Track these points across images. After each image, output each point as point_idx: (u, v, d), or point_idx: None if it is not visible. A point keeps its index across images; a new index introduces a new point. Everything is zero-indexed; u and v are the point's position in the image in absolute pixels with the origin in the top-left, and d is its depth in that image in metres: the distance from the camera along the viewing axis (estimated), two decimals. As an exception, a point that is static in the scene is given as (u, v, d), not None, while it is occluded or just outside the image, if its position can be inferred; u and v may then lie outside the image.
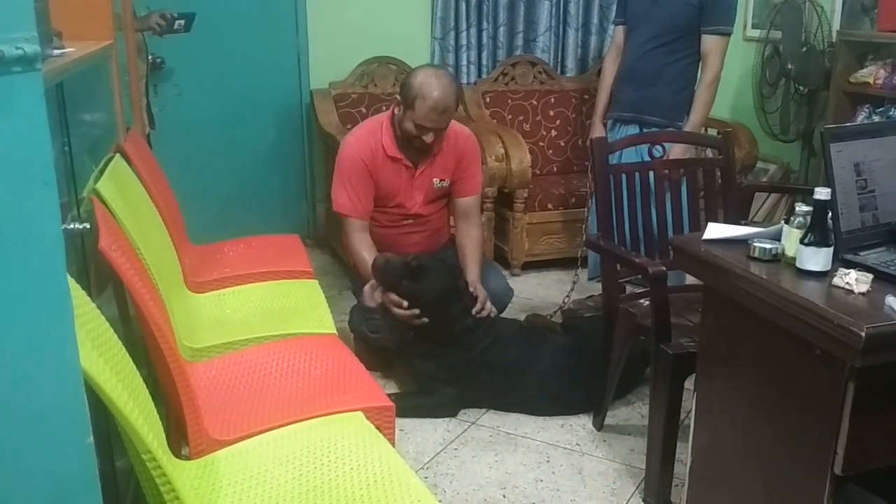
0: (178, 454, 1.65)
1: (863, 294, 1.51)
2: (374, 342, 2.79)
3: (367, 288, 2.72)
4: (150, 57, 3.54)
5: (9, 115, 0.82)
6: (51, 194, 0.88)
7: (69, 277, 0.99)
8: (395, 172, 2.80)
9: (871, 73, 3.85)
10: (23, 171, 0.84)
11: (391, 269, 2.60)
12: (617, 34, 3.47)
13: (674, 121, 3.21)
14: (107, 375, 1.10)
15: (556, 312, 3.35)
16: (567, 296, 3.44)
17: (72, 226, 1.56)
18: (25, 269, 0.85)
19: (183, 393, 1.61)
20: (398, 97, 2.72)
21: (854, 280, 1.52)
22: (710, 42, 3.12)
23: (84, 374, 1.00)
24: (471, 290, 2.74)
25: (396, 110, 2.73)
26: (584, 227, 3.58)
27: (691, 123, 3.19)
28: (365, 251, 2.76)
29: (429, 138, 2.68)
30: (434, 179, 2.87)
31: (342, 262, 3.92)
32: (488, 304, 2.73)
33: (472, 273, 2.82)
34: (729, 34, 3.20)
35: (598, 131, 3.47)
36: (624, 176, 2.49)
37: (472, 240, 2.90)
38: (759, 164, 4.30)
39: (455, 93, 2.68)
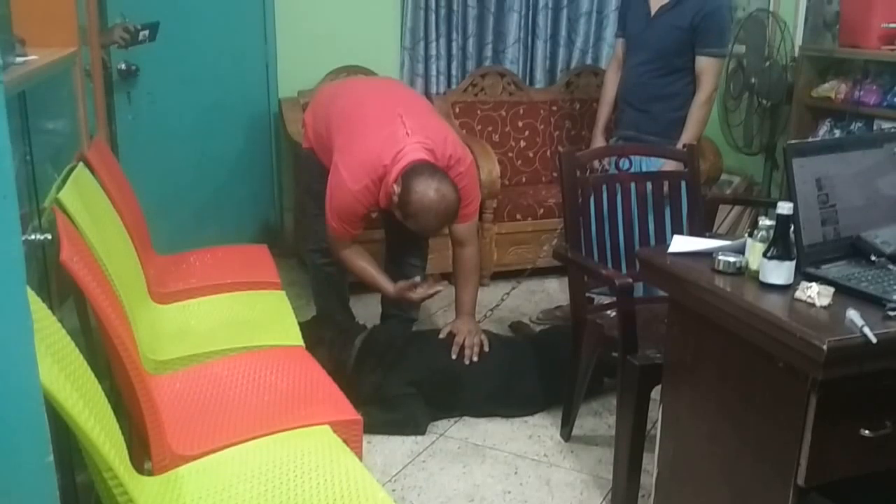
0: (140, 469, 1.62)
1: (824, 307, 1.53)
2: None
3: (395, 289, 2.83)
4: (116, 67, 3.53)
5: (-33, 128, 0.80)
6: (10, 207, 0.87)
7: (29, 290, 0.97)
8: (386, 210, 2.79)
9: (833, 88, 3.94)
10: (-19, 184, 0.82)
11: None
12: (618, 47, 3.46)
13: (671, 139, 3.16)
14: (67, 392, 1.08)
15: (486, 317, 3.28)
16: (502, 299, 3.43)
17: (33, 237, 1.53)
18: (-17, 284, 0.84)
19: (146, 407, 1.59)
20: (397, 190, 2.55)
21: (816, 293, 1.55)
22: (702, 63, 3.11)
23: (44, 390, 0.98)
24: (452, 328, 2.81)
25: (394, 198, 2.58)
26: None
27: (683, 142, 3.11)
28: (362, 261, 2.85)
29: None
30: None
31: (309, 272, 3.88)
32: (469, 341, 2.74)
33: (461, 305, 2.87)
34: (723, 56, 3.23)
35: (598, 143, 3.48)
36: (591, 189, 2.51)
37: (462, 268, 2.89)
38: (724, 177, 4.37)
39: (455, 212, 2.64)
